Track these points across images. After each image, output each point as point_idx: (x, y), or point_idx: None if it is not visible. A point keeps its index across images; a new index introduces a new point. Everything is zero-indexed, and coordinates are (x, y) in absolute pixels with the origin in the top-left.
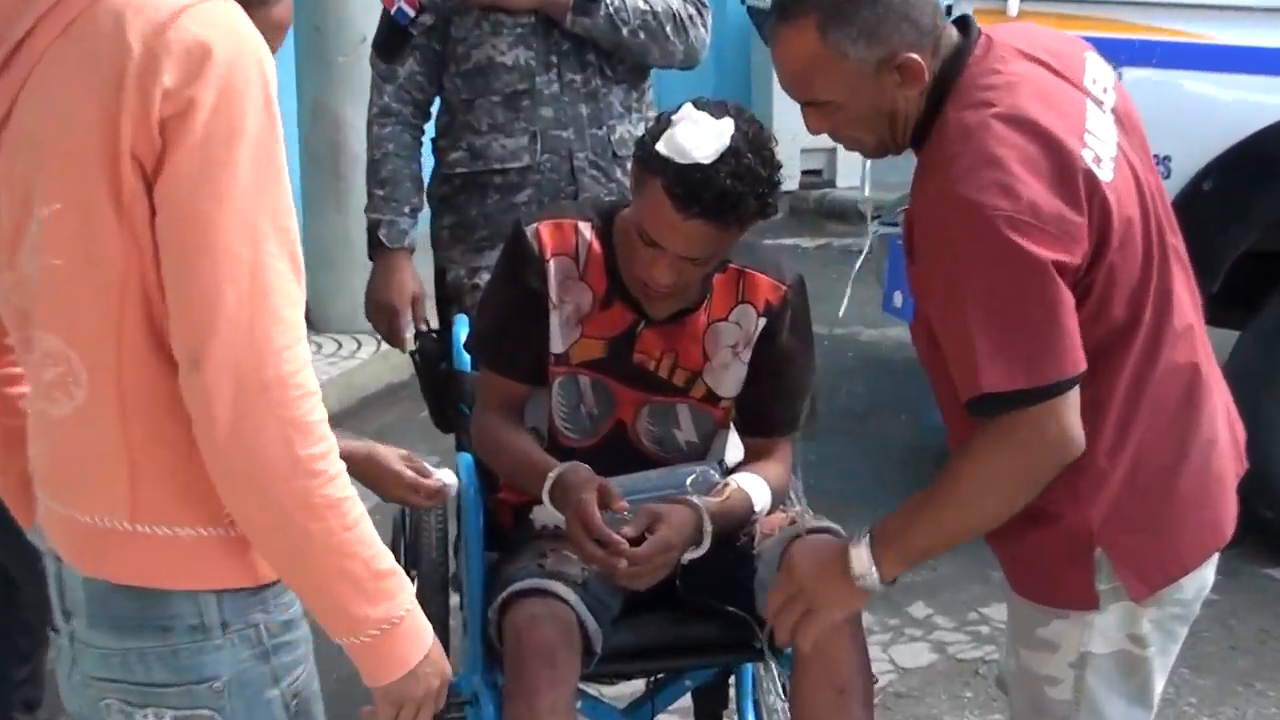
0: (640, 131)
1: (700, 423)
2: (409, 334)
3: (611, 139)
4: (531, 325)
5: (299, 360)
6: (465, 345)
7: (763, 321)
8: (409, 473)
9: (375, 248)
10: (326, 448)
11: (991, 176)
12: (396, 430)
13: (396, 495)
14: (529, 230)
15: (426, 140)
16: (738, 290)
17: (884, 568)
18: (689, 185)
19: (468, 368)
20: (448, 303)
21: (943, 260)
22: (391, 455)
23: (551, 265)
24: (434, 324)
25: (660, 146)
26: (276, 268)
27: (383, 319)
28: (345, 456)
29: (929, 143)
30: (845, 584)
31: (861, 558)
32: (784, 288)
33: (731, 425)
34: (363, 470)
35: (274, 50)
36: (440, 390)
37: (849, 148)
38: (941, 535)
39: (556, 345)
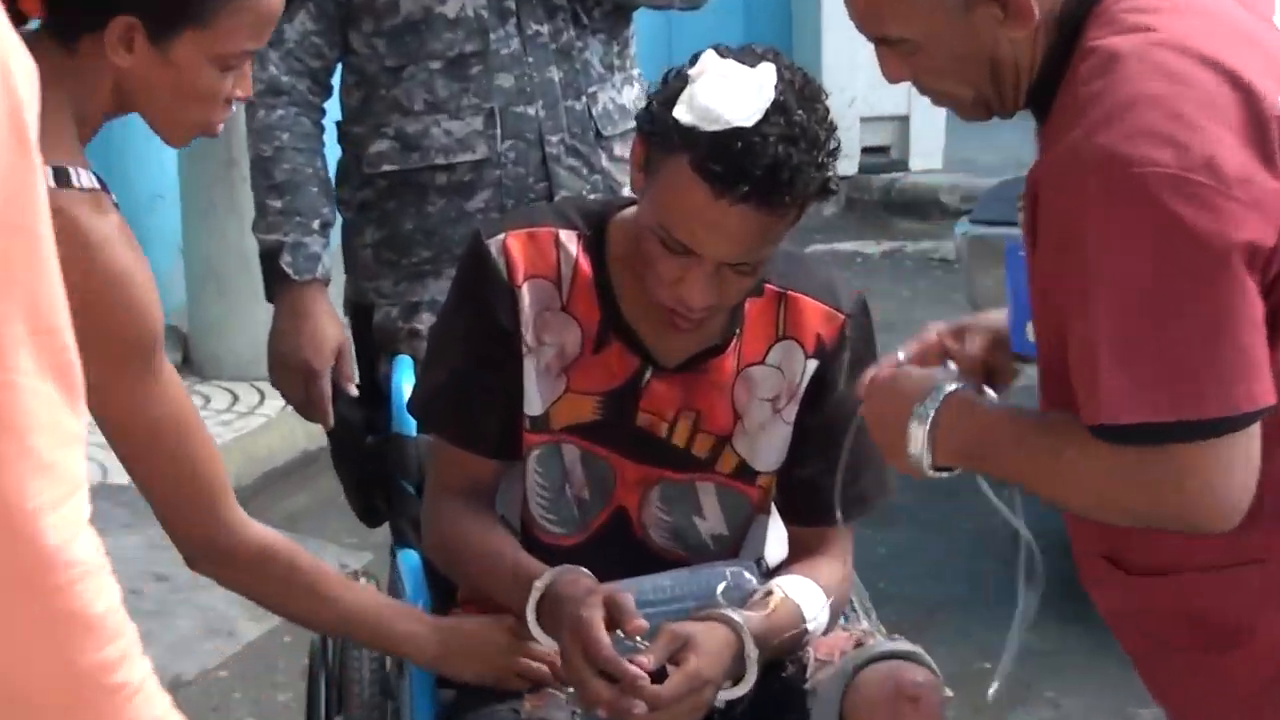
0: (627, 98)
1: (730, 507)
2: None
3: (593, 112)
4: (499, 378)
5: (73, 522)
6: (410, 408)
7: (813, 365)
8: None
9: (277, 282)
10: (123, 647)
11: (1148, 120)
12: (312, 516)
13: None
14: (492, 244)
15: (328, 124)
16: (778, 321)
17: (938, 454)
18: (730, 158)
19: (412, 430)
20: (372, 352)
21: (1070, 238)
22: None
23: (525, 293)
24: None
25: (680, 113)
26: (32, 389)
27: (295, 383)
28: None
29: (1062, 92)
30: (900, 455)
31: (917, 438)
32: (841, 316)
33: (772, 510)
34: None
35: (260, 44)
36: (365, 471)
37: (937, 102)
38: (1016, 474)
39: (533, 405)
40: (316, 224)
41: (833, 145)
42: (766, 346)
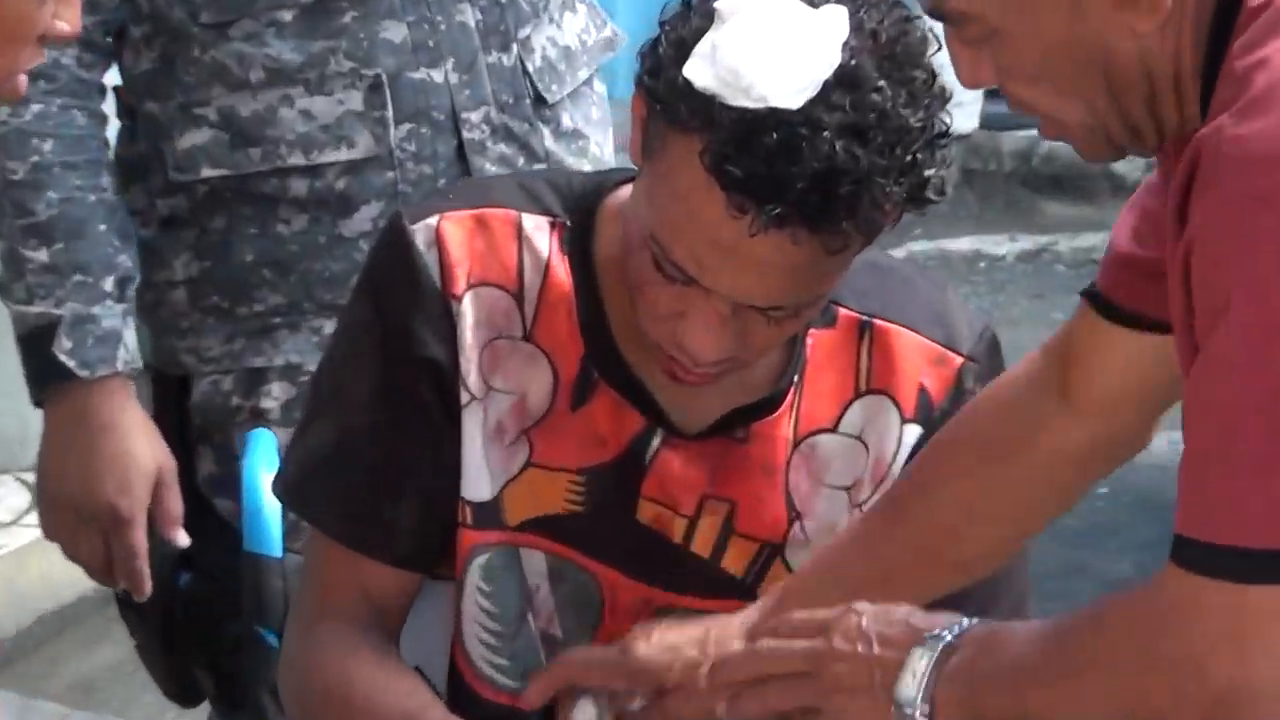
0: (571, 32)
1: None
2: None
3: (529, 67)
4: (422, 441)
5: None
6: (277, 487)
7: (913, 433)
8: None
9: (50, 380)
10: None
11: None
12: (120, 679)
13: None
14: (419, 231)
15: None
16: (859, 366)
17: (940, 713)
18: (761, 157)
19: (276, 548)
20: (188, 447)
21: (1215, 264)
22: None
23: (468, 308)
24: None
25: (695, 71)
26: None
27: (87, 537)
28: None
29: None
30: (876, 705)
31: (908, 684)
32: (957, 359)
33: None
34: None
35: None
36: (178, 624)
37: (1044, 132)
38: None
39: (476, 485)
40: (110, 283)
41: (939, 129)
42: (841, 405)
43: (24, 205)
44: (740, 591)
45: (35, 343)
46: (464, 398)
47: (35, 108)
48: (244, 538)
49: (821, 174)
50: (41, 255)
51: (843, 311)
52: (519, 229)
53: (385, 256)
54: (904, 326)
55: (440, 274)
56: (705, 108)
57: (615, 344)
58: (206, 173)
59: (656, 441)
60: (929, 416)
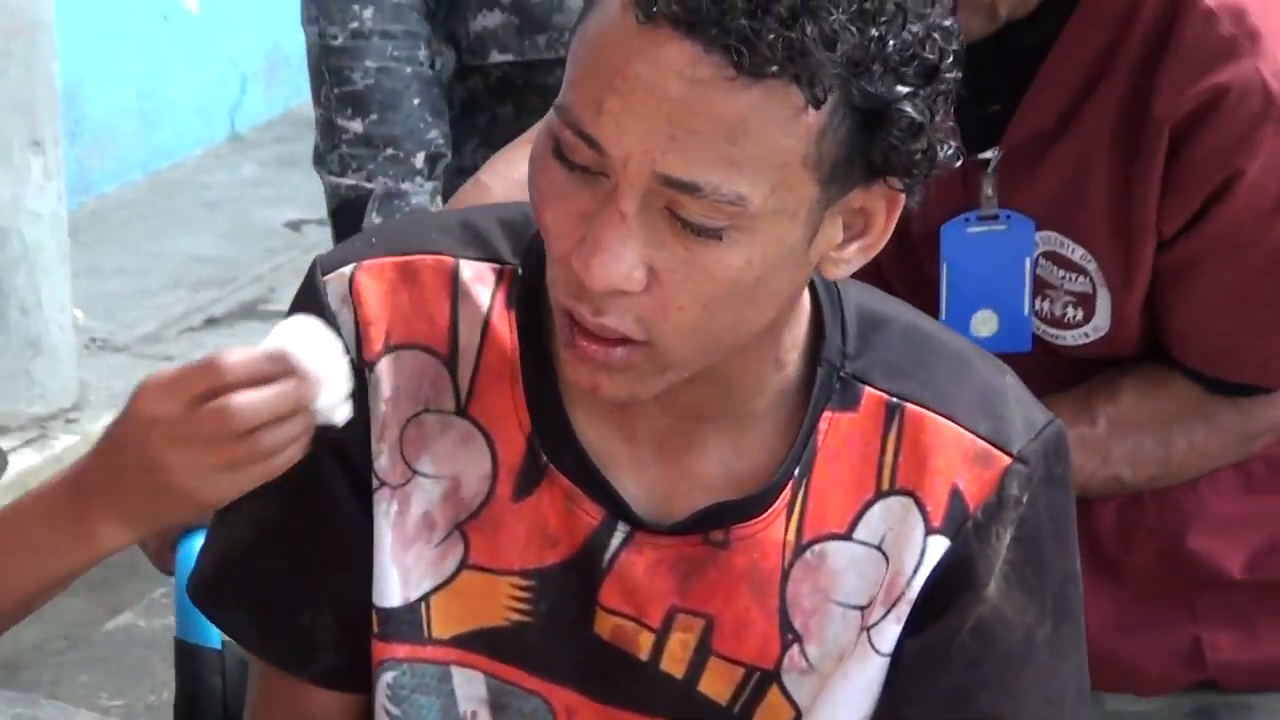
0: None
1: None
2: None
3: None
4: (334, 538)
5: None
6: (190, 589)
7: (938, 546)
8: None
9: None
10: None
11: None
12: (42, 663)
13: None
14: (330, 283)
15: None
16: (883, 458)
17: None
18: None
19: (212, 640)
20: None
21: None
22: None
23: (384, 375)
24: None
25: None
26: None
27: None
28: None
29: None
30: None
31: None
32: (1004, 459)
33: None
34: None
35: None
36: None
37: None
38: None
39: (387, 589)
40: (420, 159)
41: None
42: (859, 506)
43: (342, 73)
44: (725, 716)
45: (345, 216)
46: (373, 484)
47: None
48: (176, 623)
49: None
50: (356, 125)
51: (869, 391)
52: (454, 279)
53: (296, 313)
54: (941, 415)
55: (355, 335)
56: None
57: (568, 418)
58: (495, 58)
59: (617, 540)
60: (960, 528)
